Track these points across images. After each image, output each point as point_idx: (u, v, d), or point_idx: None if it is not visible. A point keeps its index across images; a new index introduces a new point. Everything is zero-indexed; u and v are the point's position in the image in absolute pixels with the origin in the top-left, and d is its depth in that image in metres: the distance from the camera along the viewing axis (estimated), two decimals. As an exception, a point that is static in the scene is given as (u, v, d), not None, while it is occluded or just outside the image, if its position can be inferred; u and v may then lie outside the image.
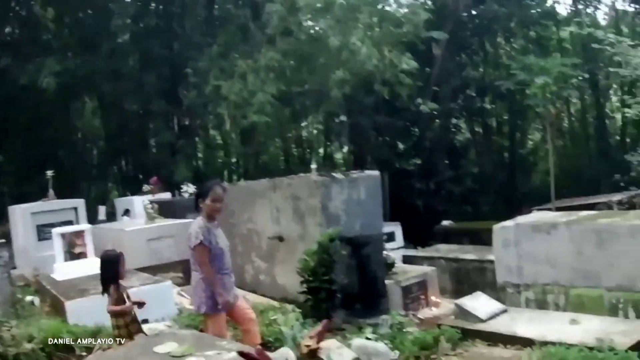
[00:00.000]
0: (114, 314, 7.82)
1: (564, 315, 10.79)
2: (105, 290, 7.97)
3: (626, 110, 16.49)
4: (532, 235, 11.77)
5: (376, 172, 13.21)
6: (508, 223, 12.50)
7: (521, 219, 12.86)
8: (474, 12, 33.34)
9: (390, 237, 22.01)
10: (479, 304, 11.44)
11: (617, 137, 34.82)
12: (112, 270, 8.04)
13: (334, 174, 12.56)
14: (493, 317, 11.09)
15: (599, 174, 30.31)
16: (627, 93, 28.82)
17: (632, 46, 16.48)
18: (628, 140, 32.47)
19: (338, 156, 37.20)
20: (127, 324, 7.79)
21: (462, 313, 11.30)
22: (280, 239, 13.56)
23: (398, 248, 21.21)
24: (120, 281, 8.08)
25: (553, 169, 22.99)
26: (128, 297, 8.06)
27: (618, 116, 34.68)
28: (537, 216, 13.50)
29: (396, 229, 23.06)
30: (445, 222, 23.30)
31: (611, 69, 19.98)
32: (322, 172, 14.01)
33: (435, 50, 27.35)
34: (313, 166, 18.93)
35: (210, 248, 7.95)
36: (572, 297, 11.16)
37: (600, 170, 30.50)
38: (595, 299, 10.87)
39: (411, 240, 23.09)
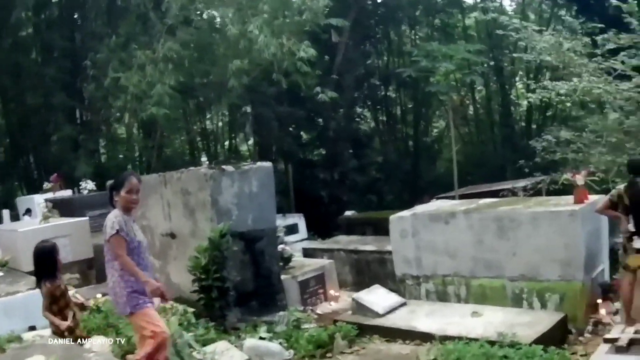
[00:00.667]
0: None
1: (466, 308, 10.50)
2: (39, 285, 7.69)
3: (529, 95, 16.08)
4: (430, 225, 11.40)
5: (268, 164, 12.67)
6: (405, 213, 12.14)
7: (419, 209, 12.54)
8: (378, 0, 33.09)
9: (293, 229, 21.77)
10: (377, 297, 11.10)
11: (523, 124, 34.97)
12: (48, 262, 7.74)
13: (224, 166, 11.96)
14: (391, 311, 10.78)
15: (505, 161, 30.48)
16: (532, 79, 28.89)
17: (537, 31, 16.18)
18: (534, 126, 32.62)
19: (244, 148, 36.64)
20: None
21: (359, 308, 10.97)
22: (173, 235, 12.94)
23: (301, 240, 21.05)
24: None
25: (456, 156, 22.95)
26: (66, 290, 7.58)
27: (524, 102, 34.88)
28: (435, 205, 13.15)
29: (299, 220, 22.74)
30: (348, 213, 22.96)
31: (515, 55, 19.71)
32: (212, 164, 13.48)
33: (335, 38, 26.79)
34: (203, 159, 18.35)
35: (128, 240, 7.18)
36: (474, 288, 10.84)
37: (506, 157, 30.69)
38: (498, 290, 10.56)
39: (316, 231, 22.74)
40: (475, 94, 36.55)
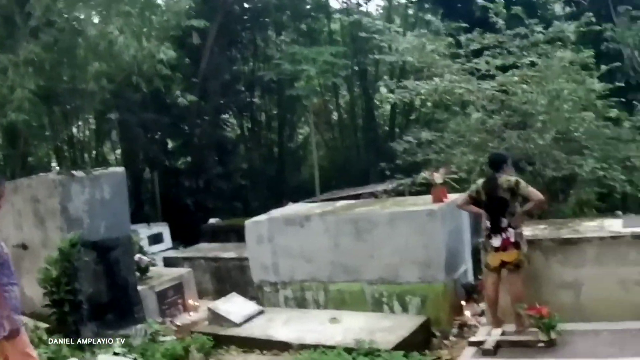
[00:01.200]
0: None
1: (324, 314, 10.34)
2: None
3: (389, 95, 16.04)
4: (286, 229, 11.23)
5: (120, 169, 12.30)
6: (260, 217, 11.96)
7: (274, 213, 12.29)
8: (246, 5, 32.70)
9: (158, 238, 21.30)
10: (234, 306, 10.88)
11: (386, 128, 35.13)
12: None
13: (73, 172, 11.45)
14: (249, 320, 10.60)
15: (368, 165, 30.48)
16: (396, 82, 29.08)
17: (400, 33, 16.15)
18: (397, 130, 32.75)
19: (111, 157, 35.66)
20: None
21: (216, 318, 10.75)
22: (24, 247, 12.29)
23: (166, 249, 20.54)
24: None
25: (320, 162, 22.88)
26: None
27: (387, 106, 35.10)
28: (292, 209, 12.95)
29: (164, 229, 22.24)
30: (212, 220, 22.59)
31: (377, 56, 19.58)
32: (62, 170, 12.91)
33: (196, 40, 26.19)
34: (53, 164, 17.69)
35: None
36: (332, 293, 10.68)
37: (369, 161, 30.76)
38: (357, 294, 10.43)
39: (183, 240, 22.25)
40: (340, 99, 36.54)
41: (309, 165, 35.46)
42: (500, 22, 15.19)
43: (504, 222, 8.77)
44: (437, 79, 14.61)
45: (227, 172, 30.02)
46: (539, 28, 15.21)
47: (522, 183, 8.84)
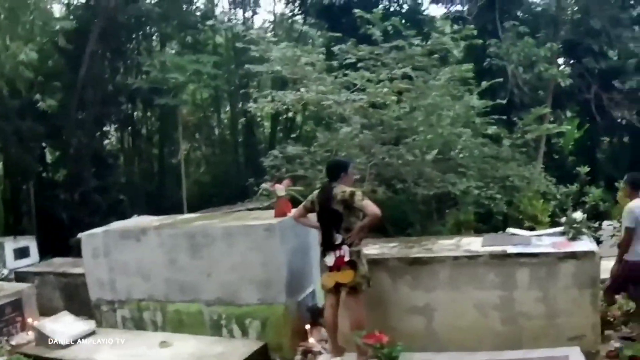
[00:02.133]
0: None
1: (156, 337, 9.33)
2: None
3: (251, 105, 15.26)
4: (122, 244, 10.11)
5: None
6: (97, 230, 10.89)
7: (113, 225, 11.30)
8: (130, 14, 31.70)
9: (24, 252, 20.64)
10: (63, 326, 9.85)
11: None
12: None
13: None
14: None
15: (247, 181, 29.98)
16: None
17: (275, 42, 15.43)
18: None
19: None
20: None
21: (42, 338, 9.75)
22: None
23: (33, 264, 19.30)
24: None
25: (200, 177, 22.00)
26: None
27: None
28: (133, 221, 11.97)
29: (31, 243, 21.40)
30: (80, 235, 21.49)
31: (249, 66, 18.67)
32: None
33: (62, 42, 24.92)
34: None
35: None
36: (170, 314, 9.63)
37: (248, 176, 30.14)
38: (195, 315, 9.38)
39: (55, 255, 21.14)
40: (222, 114, 35.94)
41: (190, 180, 34.76)
42: (377, 34, 14.64)
43: (338, 238, 7.68)
44: (303, 89, 13.87)
45: (104, 186, 28.76)
46: (417, 41, 14.64)
47: (358, 195, 7.63)
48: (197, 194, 30.51)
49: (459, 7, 27.13)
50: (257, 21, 36.65)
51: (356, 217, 7.71)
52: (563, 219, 8.83)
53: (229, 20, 34.47)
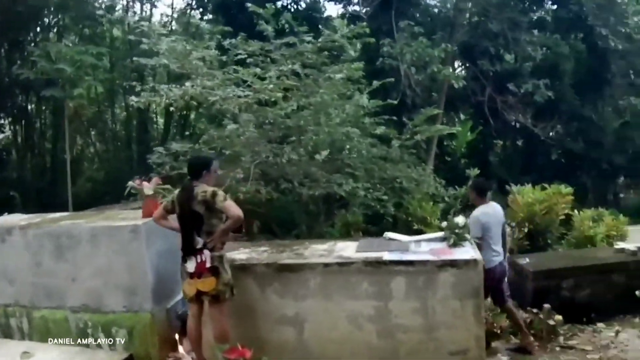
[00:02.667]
0: None
1: (20, 346, 8.72)
2: None
3: (133, 99, 14.64)
4: (-13, 244, 9.46)
5: None
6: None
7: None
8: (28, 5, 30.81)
9: None
10: None
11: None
12: None
13: None
14: None
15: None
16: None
17: (166, 35, 14.90)
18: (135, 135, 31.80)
19: None
20: None
21: None
22: None
23: None
24: None
25: (71, 173, 21.23)
26: None
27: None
28: (1, 219, 11.25)
29: None
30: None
31: (138, 59, 17.98)
32: None
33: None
34: None
35: None
36: (36, 320, 8.99)
37: (141, 174, 29.43)
38: (61, 323, 8.76)
39: None
40: (117, 109, 35.12)
41: (85, 178, 33.84)
42: (269, 30, 14.29)
43: (200, 242, 7.20)
44: (187, 84, 13.37)
45: (-6, 182, 27.80)
46: (308, 38, 14.32)
47: (220, 195, 7.12)
48: (90, 192, 29.63)
49: (357, 8, 27.05)
50: (157, 15, 35.91)
51: (218, 219, 7.24)
52: (444, 224, 8.54)
53: (126, 13, 33.66)
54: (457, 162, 29.72)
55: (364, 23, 15.72)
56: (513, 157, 32.69)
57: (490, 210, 8.86)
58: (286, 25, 15.49)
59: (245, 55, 14.19)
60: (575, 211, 15.32)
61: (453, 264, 7.33)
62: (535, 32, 28.80)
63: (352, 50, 14.93)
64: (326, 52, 14.28)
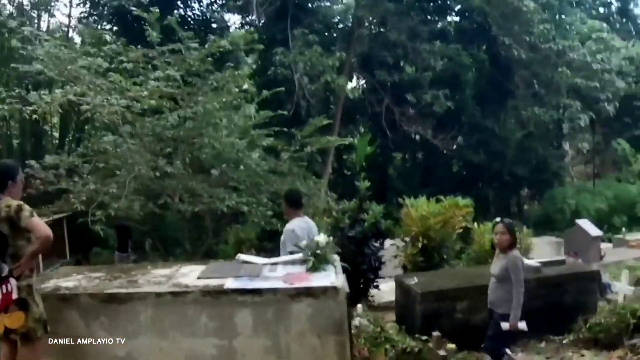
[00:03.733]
0: None
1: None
2: None
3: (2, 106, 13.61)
4: None
5: None
6: None
7: None
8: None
9: None
10: None
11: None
12: None
13: None
14: None
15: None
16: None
17: (47, 40, 14.00)
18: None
19: None
20: None
21: None
22: None
23: None
24: None
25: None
26: None
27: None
28: None
29: None
30: None
31: (15, 65, 16.97)
32: None
33: None
34: None
35: None
36: None
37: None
38: None
39: None
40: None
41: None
42: (154, 35, 13.51)
43: (4, 269, 5.70)
44: (58, 91, 12.51)
45: None
46: (194, 44, 13.60)
47: (26, 210, 5.70)
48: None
49: (254, 17, 26.59)
50: (54, 24, 34.90)
51: (25, 240, 5.85)
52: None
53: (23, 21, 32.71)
54: (356, 176, 29.29)
55: (252, 28, 15.15)
56: (412, 169, 32.51)
57: (304, 225, 8.06)
58: (179, 32, 14.74)
59: (127, 63, 13.42)
60: (475, 224, 14.92)
61: (309, 292, 6.12)
62: (437, 42, 28.65)
63: (249, 58, 14.38)
64: (210, 59, 13.59)
